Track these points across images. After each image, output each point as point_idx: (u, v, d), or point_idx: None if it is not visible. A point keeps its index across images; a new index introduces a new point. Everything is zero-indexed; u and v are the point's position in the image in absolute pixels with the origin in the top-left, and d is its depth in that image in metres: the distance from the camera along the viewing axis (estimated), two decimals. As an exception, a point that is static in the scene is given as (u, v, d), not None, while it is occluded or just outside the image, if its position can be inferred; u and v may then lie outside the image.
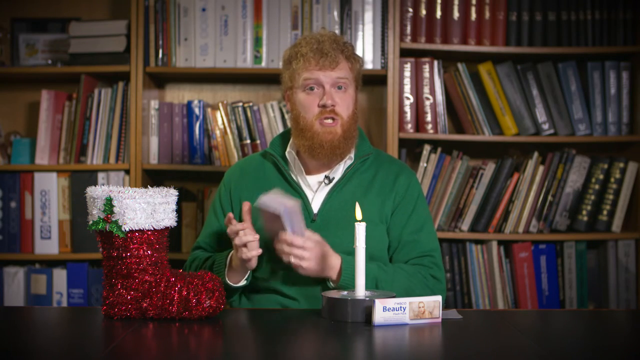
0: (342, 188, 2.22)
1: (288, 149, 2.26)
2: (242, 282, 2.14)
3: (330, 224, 2.18)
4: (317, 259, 2.05)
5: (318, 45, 2.18)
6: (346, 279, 2.06)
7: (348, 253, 2.13)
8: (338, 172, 2.24)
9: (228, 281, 2.14)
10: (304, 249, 2.02)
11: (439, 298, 1.86)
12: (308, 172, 2.25)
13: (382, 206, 2.22)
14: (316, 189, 2.23)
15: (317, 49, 2.18)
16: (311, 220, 2.20)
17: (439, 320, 1.85)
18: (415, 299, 1.83)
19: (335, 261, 2.08)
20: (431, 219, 2.29)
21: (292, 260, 2.03)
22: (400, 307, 1.81)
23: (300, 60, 2.19)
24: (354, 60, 2.23)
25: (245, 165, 2.35)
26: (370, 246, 1.99)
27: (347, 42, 2.25)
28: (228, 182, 2.32)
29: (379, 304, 1.79)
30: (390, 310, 1.80)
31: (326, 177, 2.22)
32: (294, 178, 2.24)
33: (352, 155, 2.25)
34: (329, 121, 2.17)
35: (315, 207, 2.21)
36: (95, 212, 1.85)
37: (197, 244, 2.33)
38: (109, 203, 1.83)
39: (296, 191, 2.22)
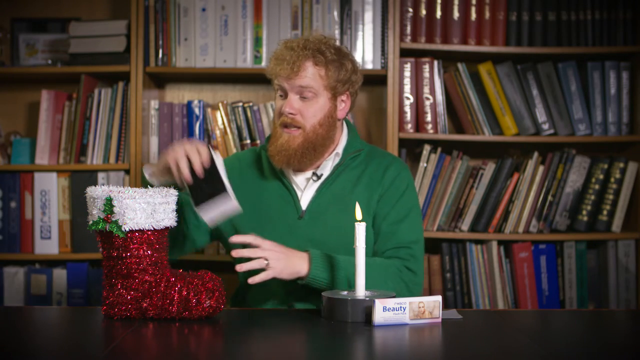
0: (330, 185, 2.21)
1: None
2: (154, 181, 2.11)
3: (319, 220, 2.17)
4: (281, 254, 2.02)
5: (284, 51, 2.15)
6: (317, 268, 2.04)
7: (336, 250, 2.12)
8: (326, 168, 2.22)
9: (145, 172, 2.12)
10: (264, 249, 2.00)
11: (438, 298, 1.86)
12: (296, 170, 2.24)
13: (369, 200, 2.20)
14: (304, 186, 2.22)
15: (281, 54, 2.15)
16: (298, 217, 2.19)
17: (439, 320, 1.85)
18: (416, 299, 1.83)
19: (301, 253, 2.06)
20: (418, 212, 2.24)
21: (257, 264, 2.00)
22: (400, 307, 1.81)
23: (271, 64, 2.18)
24: (333, 66, 2.16)
25: (243, 158, 2.34)
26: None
27: (332, 45, 2.18)
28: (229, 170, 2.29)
29: (379, 304, 1.79)
30: (390, 310, 1.80)
31: (314, 174, 2.21)
32: (286, 174, 2.23)
33: (339, 151, 2.23)
34: (289, 129, 2.15)
35: (304, 204, 2.20)
36: (95, 212, 1.85)
37: None
38: (109, 203, 1.83)
39: (287, 188, 2.22)
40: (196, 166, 1.99)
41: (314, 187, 2.21)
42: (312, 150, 2.17)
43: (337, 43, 2.24)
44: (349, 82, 2.20)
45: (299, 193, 2.22)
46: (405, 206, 2.21)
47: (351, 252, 2.11)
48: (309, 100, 2.15)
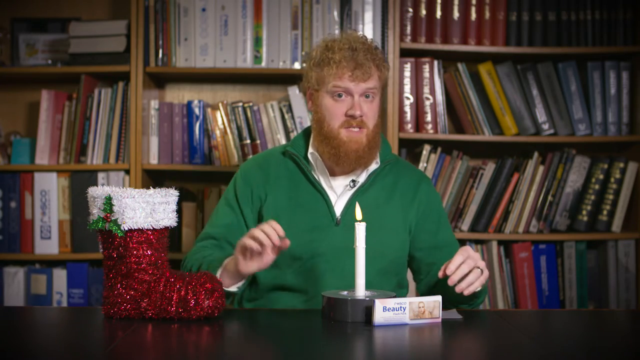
0: (365, 192, 2.21)
1: (310, 149, 2.23)
2: (234, 288, 2.04)
3: (354, 227, 2.16)
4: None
5: (352, 54, 2.14)
6: None
7: (372, 257, 2.08)
8: (362, 176, 2.23)
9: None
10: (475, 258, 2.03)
11: (438, 298, 1.86)
12: (332, 174, 2.23)
13: (406, 215, 2.23)
14: (340, 192, 2.22)
15: (351, 58, 2.14)
16: (335, 224, 2.18)
17: (439, 320, 1.85)
18: (415, 299, 1.83)
19: None
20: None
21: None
22: (400, 307, 1.81)
23: (333, 67, 2.14)
24: (384, 67, 2.20)
25: (264, 162, 2.29)
26: (391, 253, 2.10)
27: (378, 47, 2.22)
28: (247, 177, 2.26)
29: (379, 304, 1.79)
30: (390, 310, 1.80)
31: (352, 180, 2.22)
32: (317, 179, 2.22)
33: (377, 159, 2.24)
34: (356, 129, 2.15)
35: (339, 210, 2.20)
36: (95, 211, 1.85)
37: (206, 234, 2.23)
38: (108, 202, 1.83)
39: (319, 192, 2.20)
40: (274, 238, 1.93)
41: (348, 194, 2.21)
42: (373, 150, 2.19)
43: None
44: (386, 83, 2.31)
45: (332, 199, 2.21)
46: (445, 219, 2.32)
47: (385, 260, 2.19)
48: (371, 102, 2.17)
